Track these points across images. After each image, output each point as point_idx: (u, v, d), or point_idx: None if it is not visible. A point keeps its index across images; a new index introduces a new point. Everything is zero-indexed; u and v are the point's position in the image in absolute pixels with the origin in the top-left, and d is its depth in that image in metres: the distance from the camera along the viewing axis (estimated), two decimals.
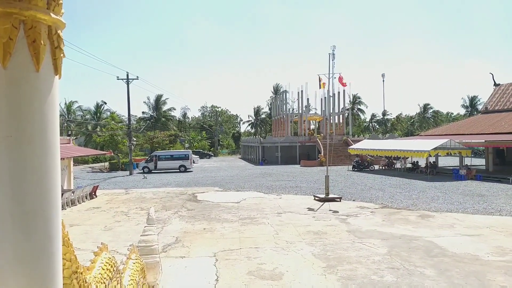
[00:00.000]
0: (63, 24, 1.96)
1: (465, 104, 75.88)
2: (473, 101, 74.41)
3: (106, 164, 44.58)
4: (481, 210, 15.56)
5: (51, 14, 1.85)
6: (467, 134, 31.40)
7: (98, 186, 22.41)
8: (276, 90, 78.46)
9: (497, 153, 34.60)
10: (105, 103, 64.80)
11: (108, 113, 62.19)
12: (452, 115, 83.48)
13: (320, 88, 22.08)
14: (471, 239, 11.17)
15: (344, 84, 21.54)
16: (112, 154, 41.32)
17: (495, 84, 37.86)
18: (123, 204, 18.52)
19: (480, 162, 38.81)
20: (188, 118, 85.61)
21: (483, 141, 28.56)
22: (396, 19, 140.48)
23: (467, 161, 33.12)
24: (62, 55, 1.98)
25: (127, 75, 36.07)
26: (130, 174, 35.77)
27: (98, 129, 55.55)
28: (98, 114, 62.40)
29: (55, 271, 1.94)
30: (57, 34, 1.92)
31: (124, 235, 12.20)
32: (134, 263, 5.46)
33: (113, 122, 50.23)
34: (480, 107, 56.25)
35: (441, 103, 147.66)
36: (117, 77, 36.29)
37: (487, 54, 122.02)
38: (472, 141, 29.34)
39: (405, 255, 9.68)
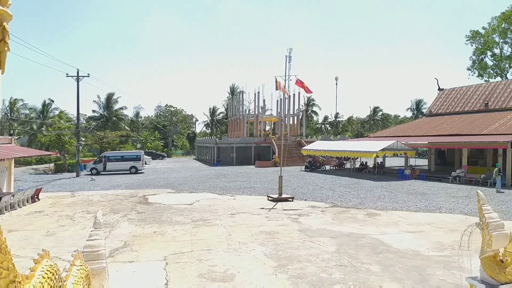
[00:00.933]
0: (9, 15, 1.82)
1: (412, 107, 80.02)
2: (419, 104, 78.63)
3: (51, 165, 42.28)
4: (423, 208, 16.46)
5: None
6: (413, 136, 33.15)
7: (41, 188, 21.16)
8: (233, 90, 78.46)
9: (439, 154, 36.88)
10: (53, 101, 61.69)
11: (56, 112, 59.16)
12: (399, 118, 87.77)
13: (276, 89, 22.30)
14: (414, 235, 11.78)
15: (306, 90, 21.84)
16: (58, 154, 39.25)
17: (439, 89, 40.34)
18: (68, 207, 17.62)
19: (423, 162, 41.20)
20: (141, 117, 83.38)
21: (427, 142, 30.31)
22: (353, 23, 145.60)
23: (412, 161, 35.02)
24: (6, 48, 1.85)
25: (77, 72, 34.42)
26: (77, 176, 34.13)
27: (43, 129, 52.58)
28: (45, 113, 59.07)
29: None
30: (3, 26, 1.79)
31: (69, 240, 11.60)
32: (78, 270, 5.20)
33: (61, 121, 47.82)
34: (425, 111, 59.62)
35: (390, 106, 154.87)
36: (67, 74, 34.56)
37: (433, 59, 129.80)
38: (417, 142, 31.06)
39: (353, 252, 10.02)
